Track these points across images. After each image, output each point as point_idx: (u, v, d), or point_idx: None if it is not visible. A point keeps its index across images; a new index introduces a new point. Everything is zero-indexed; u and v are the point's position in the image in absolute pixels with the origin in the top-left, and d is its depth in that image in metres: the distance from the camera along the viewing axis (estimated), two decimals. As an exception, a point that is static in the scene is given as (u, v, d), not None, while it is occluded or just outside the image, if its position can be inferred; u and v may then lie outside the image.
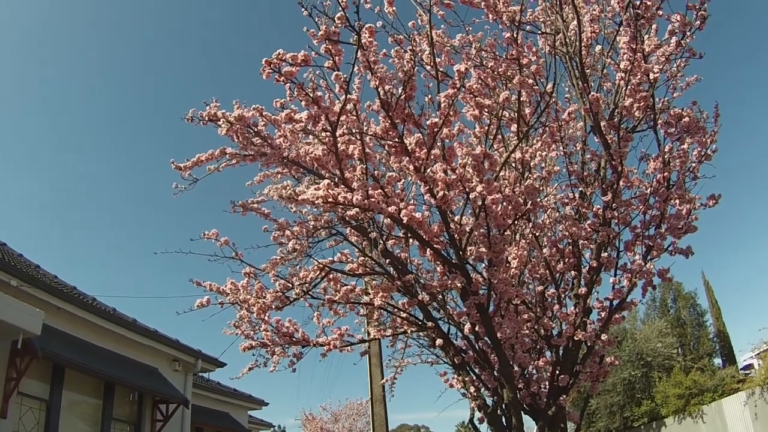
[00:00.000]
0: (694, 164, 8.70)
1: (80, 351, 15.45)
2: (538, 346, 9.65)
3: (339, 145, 7.21)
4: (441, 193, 7.21)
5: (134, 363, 18.16)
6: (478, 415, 9.72)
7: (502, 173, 8.26)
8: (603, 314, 8.72)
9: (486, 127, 8.07)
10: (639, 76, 8.10)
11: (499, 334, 8.18)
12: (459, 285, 7.92)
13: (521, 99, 7.86)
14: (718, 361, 35.91)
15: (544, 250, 9.22)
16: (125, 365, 17.47)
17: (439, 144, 7.31)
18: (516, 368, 8.83)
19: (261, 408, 30.36)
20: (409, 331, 10.27)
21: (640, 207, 8.63)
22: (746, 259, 75.27)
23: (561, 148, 9.19)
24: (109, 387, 16.53)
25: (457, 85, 6.91)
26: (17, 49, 71.71)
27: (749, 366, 34.65)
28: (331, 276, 8.86)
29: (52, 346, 13.58)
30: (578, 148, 9.51)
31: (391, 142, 7.30)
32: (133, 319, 18.54)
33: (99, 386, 16.32)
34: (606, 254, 8.67)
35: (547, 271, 9.30)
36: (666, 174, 8.42)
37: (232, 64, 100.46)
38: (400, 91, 6.98)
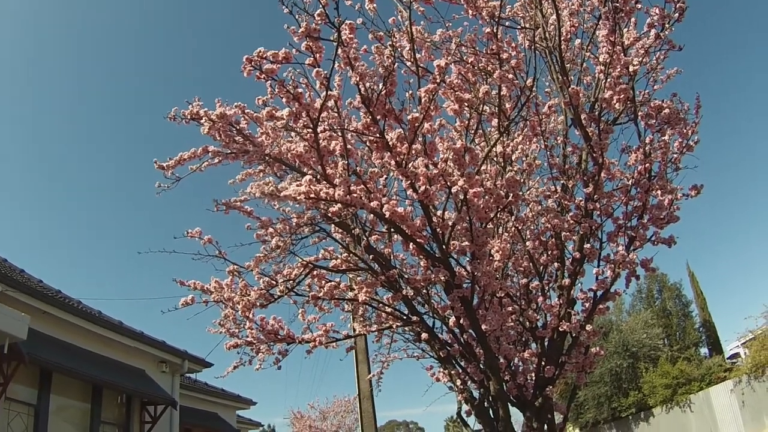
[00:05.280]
0: (675, 155, 8.77)
1: (67, 354, 15.39)
2: (523, 338, 9.71)
3: (320, 141, 7.22)
4: (423, 188, 7.24)
5: (121, 365, 18.11)
6: (465, 408, 9.78)
7: (483, 167, 8.29)
8: (587, 305, 8.78)
9: (467, 122, 8.10)
10: (618, 69, 8.14)
11: (483, 327, 8.22)
12: (443, 279, 7.97)
13: (501, 93, 7.89)
14: (704, 350, 36.20)
15: (527, 243, 9.26)
16: (112, 368, 17.41)
17: (420, 139, 7.34)
18: (502, 360, 8.87)
19: (249, 407, 30.35)
20: (394, 326, 10.31)
21: (622, 198, 8.70)
22: (730, 249, 75.89)
23: (542, 141, 9.24)
24: (96, 390, 16.47)
25: (438, 81, 6.94)
26: (12, 50, 71.24)
27: (735, 355, 34.96)
28: (315, 273, 8.88)
29: (38, 350, 13.53)
30: (559, 142, 9.57)
31: (372, 138, 7.32)
32: (119, 322, 18.48)
33: (87, 389, 16.26)
34: (589, 245, 8.71)
35: (531, 264, 9.34)
36: (647, 165, 8.49)
37: (214, 62, 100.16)
38: (380, 86, 7.01)
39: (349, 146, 7.47)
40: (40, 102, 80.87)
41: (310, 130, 7.07)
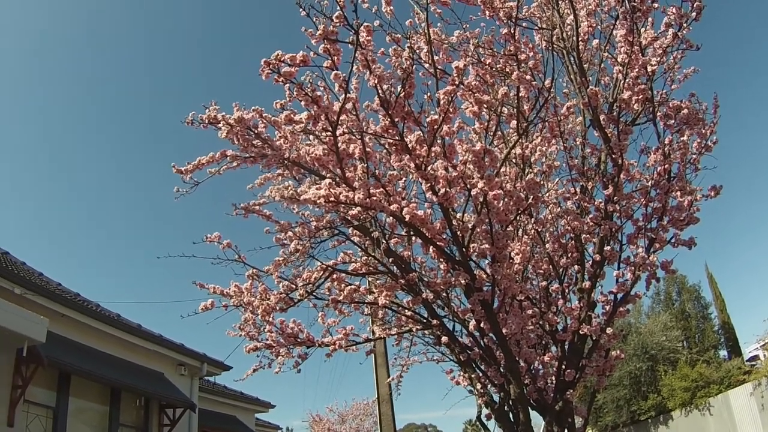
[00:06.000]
0: (694, 156, 8.71)
1: (86, 357, 15.46)
2: (543, 342, 9.65)
3: (339, 144, 7.21)
4: (442, 191, 7.21)
5: (140, 368, 18.17)
6: (485, 411, 9.75)
7: (502, 169, 8.26)
8: (607, 308, 8.73)
9: (485, 124, 8.07)
10: (637, 69, 8.10)
11: (504, 330, 8.18)
12: (463, 282, 7.93)
13: (520, 95, 7.85)
14: (723, 353, 35.89)
15: (547, 246, 9.22)
16: (131, 371, 17.47)
17: (439, 141, 7.32)
18: (522, 364, 8.82)
19: (268, 410, 30.38)
20: (414, 330, 10.29)
21: (642, 200, 8.64)
22: (750, 250, 75.16)
23: (561, 142, 9.19)
24: (115, 393, 16.53)
25: (456, 82, 6.92)
26: (14, 51, 71.66)
27: (755, 357, 34.70)
28: (334, 276, 8.87)
29: (57, 353, 13.60)
30: (578, 143, 9.52)
31: (391, 141, 7.30)
32: (138, 325, 18.55)
33: (105, 392, 16.32)
34: (609, 248, 8.67)
35: (551, 266, 9.30)
36: (666, 166, 8.43)
37: (232, 66, 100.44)
38: (399, 89, 6.99)
39: (368, 149, 7.46)
40: (54, 103, 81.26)
41: (329, 133, 7.06)
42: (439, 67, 7.75)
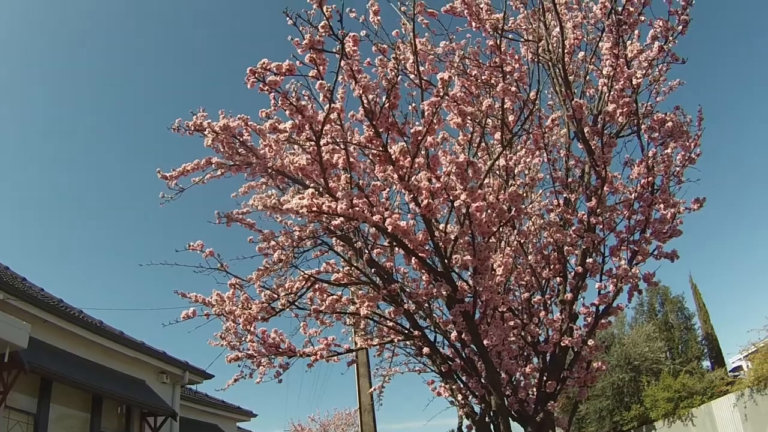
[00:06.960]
0: (678, 168, 8.73)
1: (68, 364, 15.35)
2: (525, 353, 9.67)
3: (323, 154, 7.19)
4: (425, 202, 7.20)
5: (122, 375, 18.05)
6: (466, 422, 9.75)
7: (486, 181, 8.26)
8: (589, 320, 8.73)
9: (469, 135, 8.08)
10: (622, 82, 8.13)
11: (485, 342, 8.18)
12: (445, 293, 7.92)
13: (504, 106, 7.86)
14: (706, 363, 36.04)
15: (530, 257, 9.22)
16: (113, 378, 17.36)
17: (423, 152, 7.32)
18: (503, 375, 8.82)
19: (249, 419, 30.25)
20: (395, 340, 10.27)
21: (625, 212, 8.65)
22: (733, 261, 75.40)
23: (545, 154, 9.22)
24: (96, 400, 16.42)
25: (441, 93, 6.92)
26: (13, 51, 71.20)
27: (738, 368, 34.81)
28: (317, 286, 8.85)
29: (39, 359, 13.49)
30: (562, 155, 9.54)
31: (375, 151, 7.29)
32: (120, 332, 18.45)
33: (87, 399, 16.20)
34: (591, 260, 8.68)
35: (533, 278, 9.31)
36: (650, 179, 8.45)
37: (219, 73, 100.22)
38: (383, 99, 6.98)
39: (351, 159, 7.45)
40: (39, 105, 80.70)
41: (313, 142, 7.05)
42: (425, 77, 7.77)
